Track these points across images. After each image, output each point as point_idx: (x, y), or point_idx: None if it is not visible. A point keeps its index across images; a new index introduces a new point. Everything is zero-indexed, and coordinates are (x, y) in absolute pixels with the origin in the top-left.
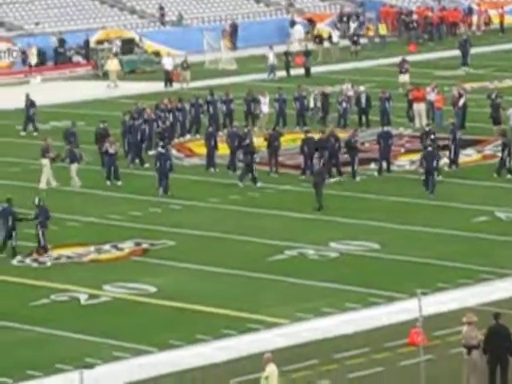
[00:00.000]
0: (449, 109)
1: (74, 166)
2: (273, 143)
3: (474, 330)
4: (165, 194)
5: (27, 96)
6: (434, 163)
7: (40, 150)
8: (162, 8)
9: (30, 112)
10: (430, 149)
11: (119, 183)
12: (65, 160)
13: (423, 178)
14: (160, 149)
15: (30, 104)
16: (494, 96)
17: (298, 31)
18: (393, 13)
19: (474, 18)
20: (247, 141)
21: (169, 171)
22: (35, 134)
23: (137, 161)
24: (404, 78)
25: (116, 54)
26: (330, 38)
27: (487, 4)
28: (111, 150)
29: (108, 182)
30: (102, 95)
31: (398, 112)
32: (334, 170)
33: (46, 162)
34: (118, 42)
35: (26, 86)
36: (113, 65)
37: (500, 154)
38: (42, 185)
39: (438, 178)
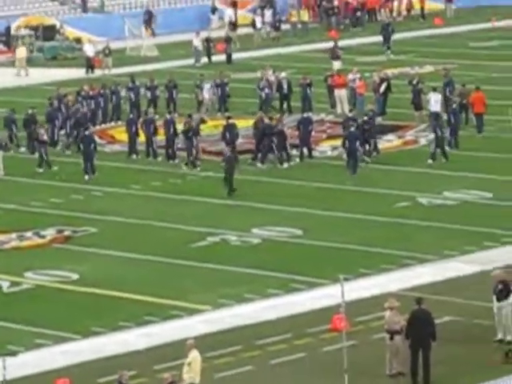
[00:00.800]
0: (370, 95)
1: (0, 154)
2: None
3: (396, 315)
4: (89, 179)
5: None
6: (357, 144)
7: None
8: None
9: None
10: (352, 129)
11: (41, 170)
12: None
13: (346, 160)
14: (83, 132)
15: None
16: (415, 82)
17: (228, 15)
18: None
19: (395, 4)
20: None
21: (93, 153)
22: None
23: (59, 147)
24: (337, 64)
25: (24, 43)
26: (253, 23)
27: None
28: (45, 137)
29: (40, 170)
30: (23, 82)
31: (320, 98)
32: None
33: None
34: (23, 30)
35: None
36: (19, 52)
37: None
38: None
39: (363, 163)
